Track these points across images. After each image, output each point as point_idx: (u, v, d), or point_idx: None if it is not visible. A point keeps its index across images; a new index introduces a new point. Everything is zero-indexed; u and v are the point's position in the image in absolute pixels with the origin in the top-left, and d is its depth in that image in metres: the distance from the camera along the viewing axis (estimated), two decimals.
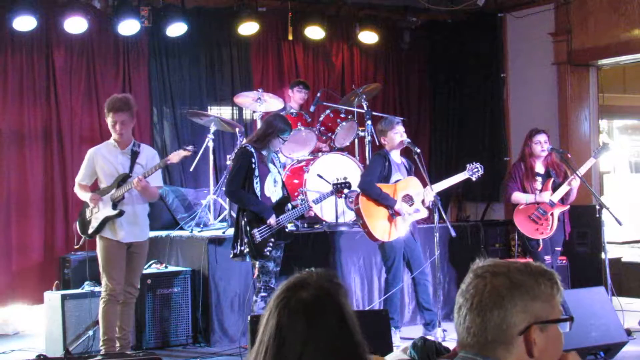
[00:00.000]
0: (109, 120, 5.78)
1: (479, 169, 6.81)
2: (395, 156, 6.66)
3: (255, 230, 5.89)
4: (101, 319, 5.79)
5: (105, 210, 5.78)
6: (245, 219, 5.92)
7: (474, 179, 6.85)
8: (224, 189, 6.73)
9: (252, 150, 5.99)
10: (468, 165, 6.84)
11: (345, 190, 6.44)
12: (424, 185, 6.61)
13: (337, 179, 6.41)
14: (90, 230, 5.83)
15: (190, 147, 5.94)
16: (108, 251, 5.78)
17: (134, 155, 5.85)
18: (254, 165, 5.95)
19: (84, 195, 5.89)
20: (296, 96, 8.45)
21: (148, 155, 5.96)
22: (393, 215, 6.45)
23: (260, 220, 5.93)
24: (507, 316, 1.78)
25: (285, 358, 1.77)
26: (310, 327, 1.77)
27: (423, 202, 6.55)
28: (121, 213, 5.75)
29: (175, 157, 5.89)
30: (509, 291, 1.79)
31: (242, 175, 5.97)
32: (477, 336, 1.80)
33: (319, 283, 1.84)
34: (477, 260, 1.90)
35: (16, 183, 7.87)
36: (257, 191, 5.96)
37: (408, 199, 6.54)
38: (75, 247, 6.29)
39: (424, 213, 6.60)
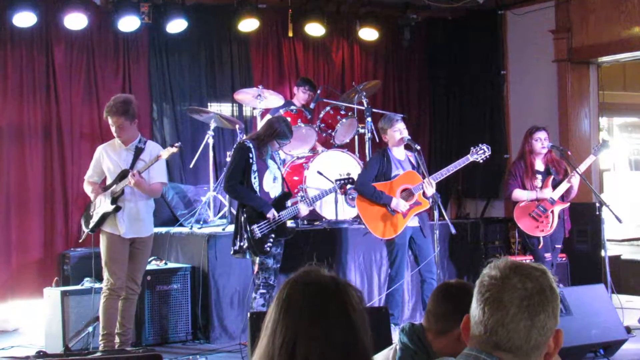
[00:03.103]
0: (109, 122, 5.89)
1: (485, 150, 6.56)
2: (398, 153, 6.62)
3: (254, 226, 5.89)
4: (101, 314, 5.82)
5: (104, 205, 5.85)
6: (245, 215, 5.91)
7: (480, 161, 6.61)
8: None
9: (250, 145, 5.98)
10: (472, 148, 6.59)
11: (348, 186, 6.43)
12: None
13: (340, 175, 6.40)
14: (90, 225, 5.88)
15: (178, 144, 5.96)
16: (110, 246, 5.82)
17: (138, 151, 5.91)
18: (251, 161, 5.94)
19: (89, 190, 6.01)
20: (300, 95, 8.46)
21: (152, 151, 5.99)
22: (392, 212, 6.43)
23: (260, 216, 5.92)
24: (549, 319, 1.76)
25: (282, 335, 1.74)
26: (305, 304, 1.74)
27: (424, 194, 6.50)
28: (117, 208, 5.80)
29: (165, 153, 5.92)
30: (550, 293, 1.77)
31: (240, 170, 5.96)
32: (521, 340, 1.74)
33: (330, 274, 1.82)
34: (499, 257, 1.85)
35: (16, 179, 7.87)
36: (256, 186, 5.95)
37: (408, 192, 6.51)
38: (80, 241, 6.42)
39: (425, 205, 6.55)
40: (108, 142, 6.10)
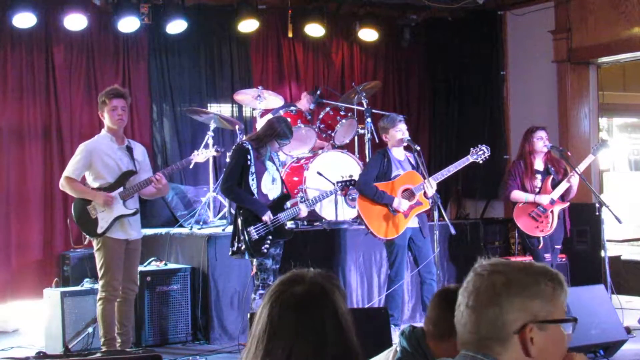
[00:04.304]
0: (108, 107, 5.65)
1: (485, 150, 6.64)
2: (398, 153, 6.63)
3: (251, 228, 5.88)
4: (101, 320, 5.71)
5: (116, 209, 5.66)
6: (242, 217, 5.90)
7: (480, 161, 6.68)
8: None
9: (249, 146, 5.97)
10: (472, 148, 6.66)
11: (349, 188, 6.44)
12: None
13: (342, 177, 6.40)
14: (99, 230, 5.63)
15: (220, 148, 6.01)
16: (115, 251, 5.67)
17: (129, 151, 5.79)
18: (249, 162, 5.92)
19: (86, 193, 5.68)
20: (303, 101, 8.49)
21: (141, 150, 5.95)
22: (393, 212, 6.43)
23: (257, 217, 5.91)
24: (503, 314, 1.76)
25: (275, 351, 1.74)
26: (299, 322, 1.74)
27: (425, 194, 6.50)
28: (137, 212, 5.72)
29: (201, 157, 5.90)
30: (505, 288, 1.78)
31: (237, 172, 5.94)
32: (472, 333, 1.79)
33: (314, 280, 1.81)
34: (480, 259, 1.88)
35: (16, 180, 7.86)
36: (253, 188, 5.93)
37: (409, 193, 6.51)
38: (79, 245, 6.28)
39: (426, 206, 6.56)
40: (94, 139, 5.81)
